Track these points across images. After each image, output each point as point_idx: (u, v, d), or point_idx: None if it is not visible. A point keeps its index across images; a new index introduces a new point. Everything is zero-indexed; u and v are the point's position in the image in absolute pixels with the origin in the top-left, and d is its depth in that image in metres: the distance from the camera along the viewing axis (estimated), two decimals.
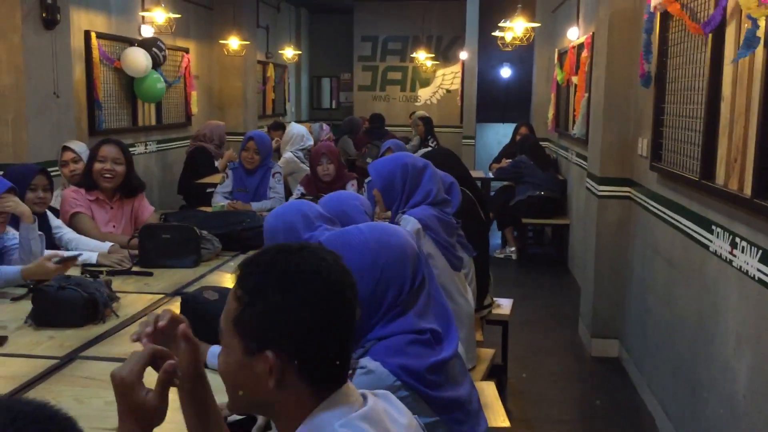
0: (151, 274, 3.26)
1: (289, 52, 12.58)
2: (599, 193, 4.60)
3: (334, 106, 16.03)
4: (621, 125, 4.48)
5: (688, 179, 3.20)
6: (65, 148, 4.36)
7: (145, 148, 7.78)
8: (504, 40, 8.03)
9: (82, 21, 6.46)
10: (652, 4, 3.66)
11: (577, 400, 4.30)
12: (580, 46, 6.72)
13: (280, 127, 8.43)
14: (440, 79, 13.96)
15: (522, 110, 14.04)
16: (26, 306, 2.66)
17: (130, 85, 7.25)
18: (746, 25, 2.52)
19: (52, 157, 5.14)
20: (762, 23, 2.36)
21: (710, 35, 2.91)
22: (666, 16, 3.67)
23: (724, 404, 2.77)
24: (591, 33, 6.08)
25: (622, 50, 4.44)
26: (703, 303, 3.05)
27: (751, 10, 2.41)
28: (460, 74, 13.64)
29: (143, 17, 7.33)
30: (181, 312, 2.32)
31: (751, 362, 2.52)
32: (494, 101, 13.61)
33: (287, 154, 6.93)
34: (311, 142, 7.36)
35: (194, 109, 8.89)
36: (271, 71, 12.19)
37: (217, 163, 7.49)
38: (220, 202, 5.04)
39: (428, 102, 13.96)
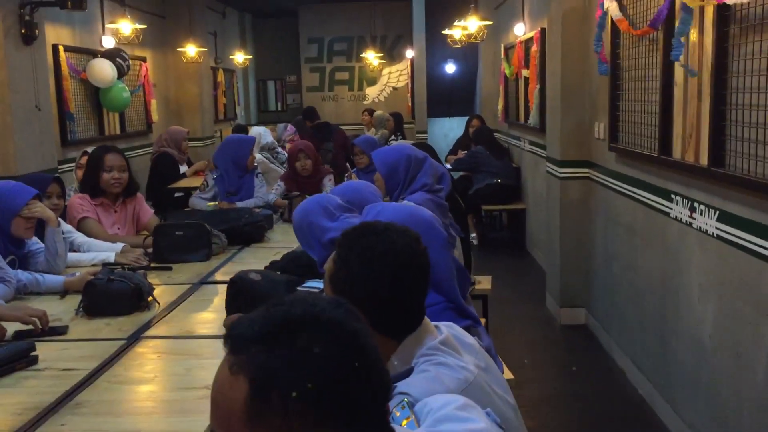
0: (170, 269, 3.52)
1: (239, 57, 12.77)
2: (561, 175, 5.03)
3: (280, 108, 16.25)
4: (577, 112, 4.92)
5: (647, 156, 3.64)
6: (85, 153, 4.62)
7: None
8: (453, 37, 8.47)
9: (50, 35, 6.58)
10: (605, 4, 4.09)
11: (553, 362, 4.73)
12: (528, 41, 7.18)
13: (243, 130, 8.68)
14: (386, 77, 14.34)
15: (467, 104, 14.54)
16: (71, 301, 2.92)
17: (95, 96, 7.39)
18: (677, 21, 2.95)
19: (37, 168, 5.32)
20: (708, 13, 2.79)
21: (661, 29, 3.35)
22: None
23: (692, 347, 3.21)
24: (540, 29, 6.54)
25: (574, 44, 4.88)
26: (666, 263, 3.49)
27: (689, 1, 2.84)
28: (406, 72, 14.05)
29: (109, 29, 7.48)
30: (229, 291, 2.61)
31: (715, 306, 2.96)
32: (440, 97, 14.04)
33: (257, 156, 7.18)
34: (269, 139, 7.65)
35: (155, 116, 9.05)
36: (221, 76, 12.36)
37: (183, 169, 7.71)
38: (198, 204, 5.20)
39: (376, 100, 14.32)
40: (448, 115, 14.19)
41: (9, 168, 5.10)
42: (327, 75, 14.56)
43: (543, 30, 6.46)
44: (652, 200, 3.66)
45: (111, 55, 7.33)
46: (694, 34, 3.04)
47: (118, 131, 8.07)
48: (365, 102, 14.22)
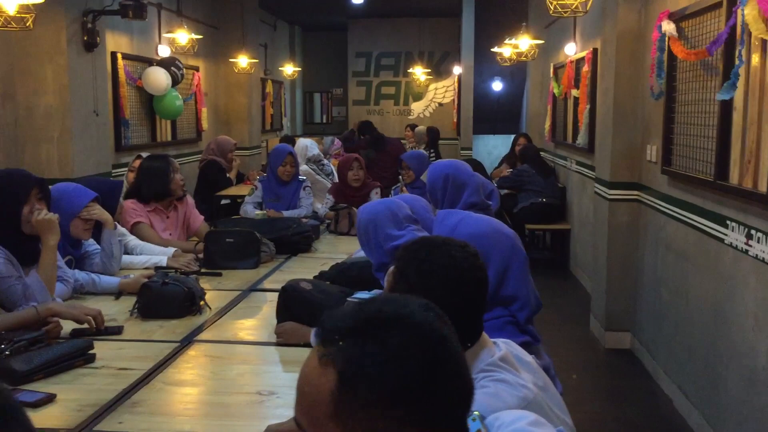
0: (220, 275, 3.57)
1: (288, 69, 12.94)
2: (609, 196, 4.99)
3: (325, 121, 16.41)
4: (629, 134, 4.88)
5: (702, 180, 3.59)
6: (139, 156, 4.75)
7: None
8: (502, 55, 8.47)
9: (109, 43, 6.77)
10: (663, 27, 4.05)
11: (597, 385, 4.67)
12: (579, 61, 7.15)
13: (290, 142, 8.78)
14: (432, 93, 14.38)
15: (512, 122, 14.50)
16: (125, 302, 2.98)
17: (149, 103, 7.56)
18: (756, 48, 2.92)
19: (94, 171, 5.47)
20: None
21: (721, 52, 3.31)
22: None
23: (743, 377, 3.14)
24: (592, 49, 6.51)
25: (628, 65, 4.85)
26: (719, 290, 3.43)
27: (763, 34, 2.81)
28: (452, 88, 14.08)
29: (165, 38, 7.65)
30: (280, 299, 2.65)
31: None
32: (485, 114, 14.04)
33: (303, 167, 7.26)
34: (315, 152, 7.72)
35: (204, 125, 9.22)
36: (269, 87, 12.54)
37: (228, 175, 7.85)
38: (249, 212, 5.29)
39: (421, 115, 14.37)
40: (493, 132, 14.17)
41: (66, 171, 5.25)
42: (373, 89, 14.66)
43: (595, 50, 6.43)
44: (706, 225, 3.61)
45: (166, 63, 7.50)
46: (756, 58, 3.00)
47: (169, 138, 8.24)
48: (410, 117, 14.28)
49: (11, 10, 3.97)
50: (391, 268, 1.55)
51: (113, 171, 6.18)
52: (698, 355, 3.74)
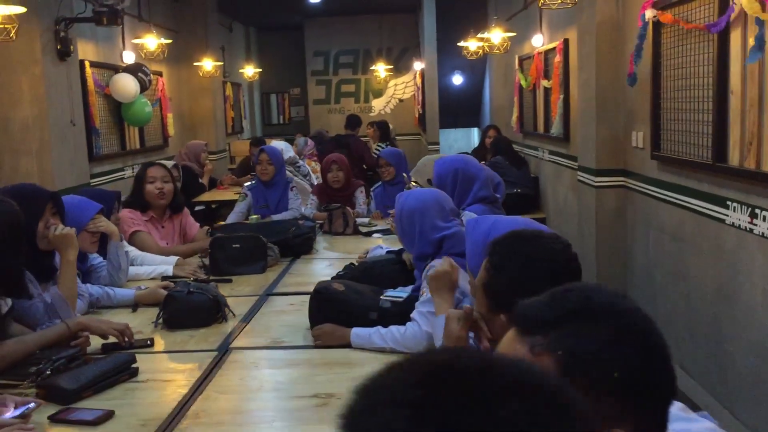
0: (230, 281, 3.54)
1: (249, 71, 12.82)
2: (596, 184, 5.09)
3: (282, 121, 16.29)
4: (613, 122, 4.98)
5: (698, 163, 3.70)
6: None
7: (132, 172, 7.93)
8: (468, 49, 8.54)
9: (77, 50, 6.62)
10: (646, 15, 4.16)
11: None
12: (549, 52, 7.26)
13: (261, 143, 8.70)
14: (392, 89, 14.42)
15: (472, 115, 14.64)
16: (143, 314, 2.94)
17: (117, 111, 7.41)
18: (753, 29, 3.02)
19: (72, 184, 5.34)
20: None
21: (715, 36, 3.41)
22: (659, 24, 4.17)
23: (752, 352, 3.25)
24: (562, 39, 6.62)
25: (608, 54, 4.95)
26: (722, 269, 3.54)
27: (758, 14, 2.91)
28: (412, 84, 14.14)
29: (132, 44, 7.51)
30: (313, 301, 2.64)
31: None
32: (445, 108, 14.12)
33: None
34: (291, 154, 7.68)
35: (171, 131, 9.07)
36: (229, 90, 12.40)
37: (201, 180, 7.77)
38: (231, 218, 5.23)
39: (382, 112, 14.38)
40: (455, 126, 14.27)
41: (47, 183, 5.09)
42: (333, 87, 14.63)
43: (566, 41, 6.54)
44: (704, 207, 3.71)
45: (133, 69, 7.35)
46: (752, 41, 3.09)
47: (138, 146, 8.09)
48: (371, 114, 14.27)
49: None
50: (484, 263, 1.57)
51: (91, 182, 6.05)
52: (701, 334, 3.86)
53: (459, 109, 14.22)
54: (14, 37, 3.95)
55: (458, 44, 8.65)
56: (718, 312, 3.61)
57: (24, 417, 1.85)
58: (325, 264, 3.94)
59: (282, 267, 3.83)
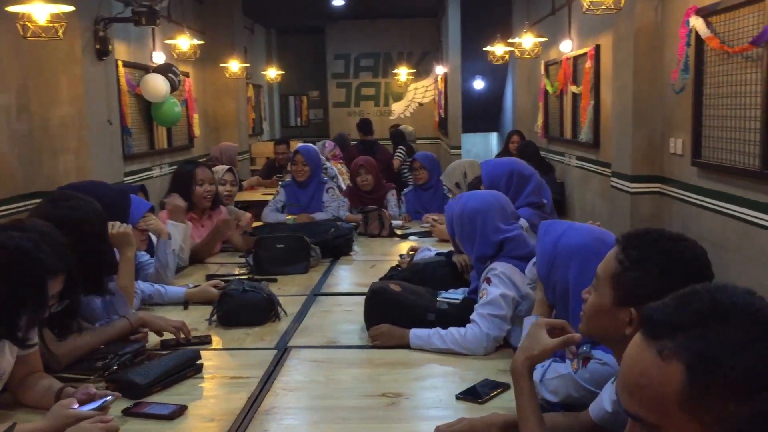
0: (275, 280, 3.55)
1: (272, 72, 12.87)
2: (631, 190, 5.08)
3: (299, 124, 16.33)
4: (650, 128, 4.98)
5: (745, 170, 3.69)
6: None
7: (160, 171, 7.98)
8: (494, 54, 8.56)
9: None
10: (690, 22, 4.15)
11: None
12: (578, 58, 7.26)
13: (284, 142, 8.73)
14: (412, 92, 14.44)
15: (492, 121, 14.64)
16: (194, 312, 2.96)
17: (147, 110, 7.46)
18: None
19: (109, 182, 5.36)
20: None
21: (766, 45, 3.41)
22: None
23: None
24: (594, 45, 6.62)
25: (646, 61, 4.95)
26: (766, 279, 3.53)
27: None
28: (432, 88, 14.16)
29: (165, 44, 7.57)
30: (368, 302, 2.65)
31: None
32: (465, 112, 14.13)
33: None
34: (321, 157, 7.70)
35: (196, 131, 9.12)
36: (250, 92, 12.45)
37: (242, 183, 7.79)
38: (269, 217, 5.26)
39: (401, 116, 14.41)
40: (475, 130, 14.28)
41: None
42: (353, 90, 14.67)
43: (597, 47, 6.54)
44: (750, 215, 3.71)
45: (163, 70, 7.40)
46: None
47: (165, 145, 8.14)
48: (391, 118, 14.31)
49: (42, 19, 3.89)
50: (616, 254, 1.53)
51: (124, 180, 6.09)
52: None
53: (478, 114, 14.23)
54: (62, 36, 3.98)
55: (484, 49, 8.65)
56: None
57: (102, 409, 1.86)
58: (368, 265, 3.94)
59: (324, 267, 3.84)
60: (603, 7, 4.20)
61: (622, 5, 4.30)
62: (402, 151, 9.95)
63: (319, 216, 5.26)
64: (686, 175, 4.55)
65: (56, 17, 3.92)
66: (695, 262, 1.48)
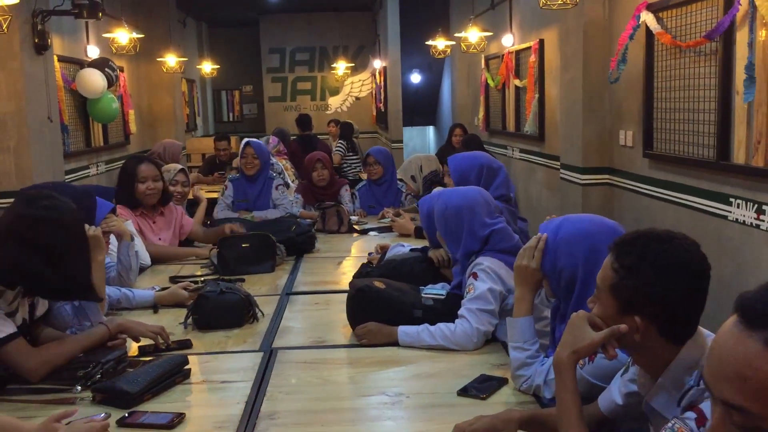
0: (243, 280, 3.47)
1: (207, 67, 12.60)
2: (582, 182, 5.19)
3: (232, 119, 16.05)
4: (599, 121, 5.09)
5: (699, 161, 3.81)
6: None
7: (97, 169, 7.71)
8: (436, 48, 8.60)
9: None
10: (641, 17, 4.26)
11: None
12: (521, 52, 7.37)
13: (225, 138, 8.55)
14: (349, 87, 14.38)
15: (427, 114, 14.73)
16: (164, 315, 2.88)
17: (83, 107, 7.19)
18: (762, 31, 3.13)
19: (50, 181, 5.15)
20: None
21: (720, 39, 3.52)
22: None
23: None
24: (537, 40, 6.72)
25: (595, 54, 5.05)
26: (724, 265, 3.65)
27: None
28: (368, 82, 14.13)
29: (95, 39, 7.30)
30: (353, 301, 2.61)
31: None
32: (403, 106, 14.17)
33: None
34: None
35: (132, 128, 8.85)
36: (184, 86, 12.17)
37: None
38: (222, 215, 5.12)
39: (338, 110, 14.34)
40: (411, 124, 14.33)
41: (25, 181, 4.93)
42: (289, 85, 14.52)
43: (542, 41, 6.65)
44: (704, 204, 3.83)
45: (99, 64, 7.15)
46: (760, 42, 3.21)
47: (101, 143, 7.86)
48: (327, 112, 14.23)
49: None
50: (611, 263, 1.52)
51: (65, 179, 5.85)
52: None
53: (415, 108, 14.28)
54: (5, 30, 3.79)
55: (426, 43, 8.68)
56: (723, 306, 3.72)
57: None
58: (333, 262, 3.91)
59: (290, 266, 3.78)
60: (559, 2, 4.26)
61: (577, 1, 4.38)
62: (342, 146, 9.91)
63: (272, 214, 5.18)
64: (637, 167, 4.67)
65: (1, 10, 3.72)
66: (690, 260, 1.47)
